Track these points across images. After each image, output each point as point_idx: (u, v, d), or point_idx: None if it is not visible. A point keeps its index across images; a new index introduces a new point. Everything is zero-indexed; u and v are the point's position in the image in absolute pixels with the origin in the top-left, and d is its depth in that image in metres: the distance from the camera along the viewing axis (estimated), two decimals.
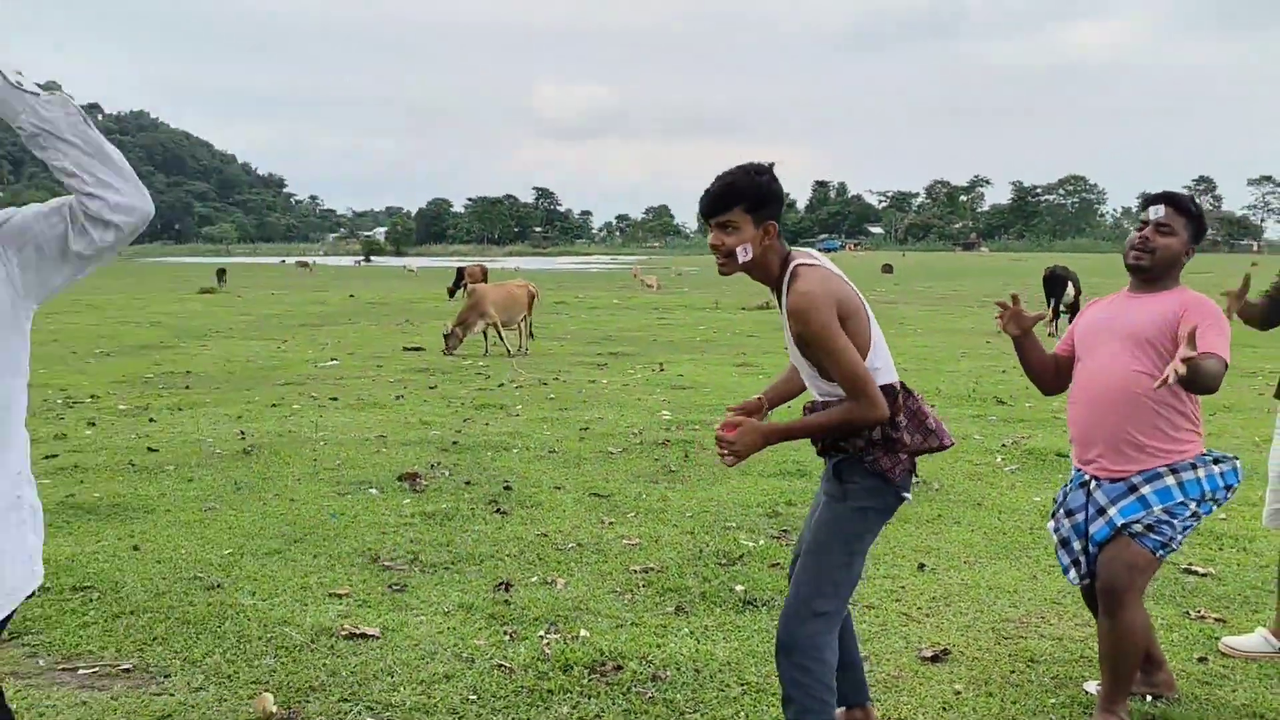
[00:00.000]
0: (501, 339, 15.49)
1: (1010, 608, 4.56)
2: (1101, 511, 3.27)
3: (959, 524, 5.88)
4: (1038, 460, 7.50)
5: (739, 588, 4.76)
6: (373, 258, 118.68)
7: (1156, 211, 3.29)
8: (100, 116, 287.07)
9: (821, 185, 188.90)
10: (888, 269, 55.64)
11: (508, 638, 4.15)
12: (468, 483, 6.80)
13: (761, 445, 2.83)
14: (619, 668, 3.84)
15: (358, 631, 4.16)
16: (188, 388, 11.51)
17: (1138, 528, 3.19)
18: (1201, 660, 3.98)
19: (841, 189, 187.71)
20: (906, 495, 2.95)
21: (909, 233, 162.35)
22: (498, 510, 6.12)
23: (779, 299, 2.89)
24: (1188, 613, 4.48)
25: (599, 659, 3.91)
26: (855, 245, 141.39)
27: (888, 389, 2.84)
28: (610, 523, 5.89)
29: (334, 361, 14.18)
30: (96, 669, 3.86)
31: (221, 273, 44.90)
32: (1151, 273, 3.29)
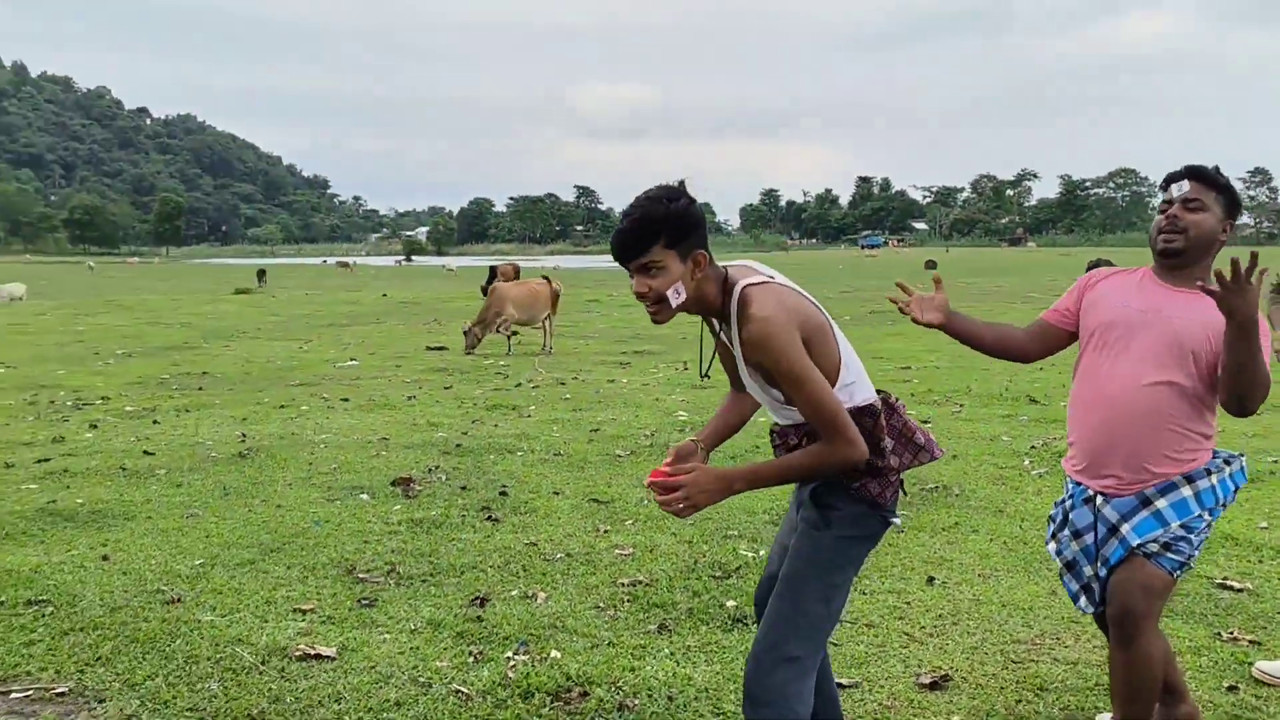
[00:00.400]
0: (508, 339, 15.28)
1: (1023, 627, 4.20)
2: (1114, 530, 2.89)
3: (977, 533, 5.51)
4: None
5: (730, 603, 4.43)
6: (414, 257, 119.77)
7: (1181, 188, 2.89)
8: (148, 120, 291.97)
9: (865, 181, 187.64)
10: (930, 265, 54.92)
11: (472, 659, 3.85)
12: (464, 488, 6.52)
13: (724, 495, 2.44)
14: (585, 694, 3.53)
15: (312, 652, 3.88)
16: (200, 389, 11.36)
17: (1153, 547, 2.81)
18: (1232, 689, 3.59)
19: (885, 184, 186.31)
20: (895, 520, 2.59)
21: (954, 228, 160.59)
22: (489, 518, 5.83)
23: (726, 328, 2.54)
24: (1219, 633, 4.09)
25: (564, 685, 3.60)
26: (898, 241, 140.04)
27: (868, 409, 2.50)
28: (605, 531, 5.59)
29: (353, 362, 14.00)
30: (30, 692, 3.61)
31: (261, 273, 45.29)
32: (1186, 255, 2.85)
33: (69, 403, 10.25)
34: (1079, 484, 3.00)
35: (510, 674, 3.68)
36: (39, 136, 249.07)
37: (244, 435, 8.29)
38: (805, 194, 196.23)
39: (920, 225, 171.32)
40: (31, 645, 4.00)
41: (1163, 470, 2.83)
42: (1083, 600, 3.03)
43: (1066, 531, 3.04)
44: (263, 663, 3.81)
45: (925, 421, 8.72)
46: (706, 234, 2.48)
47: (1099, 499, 2.92)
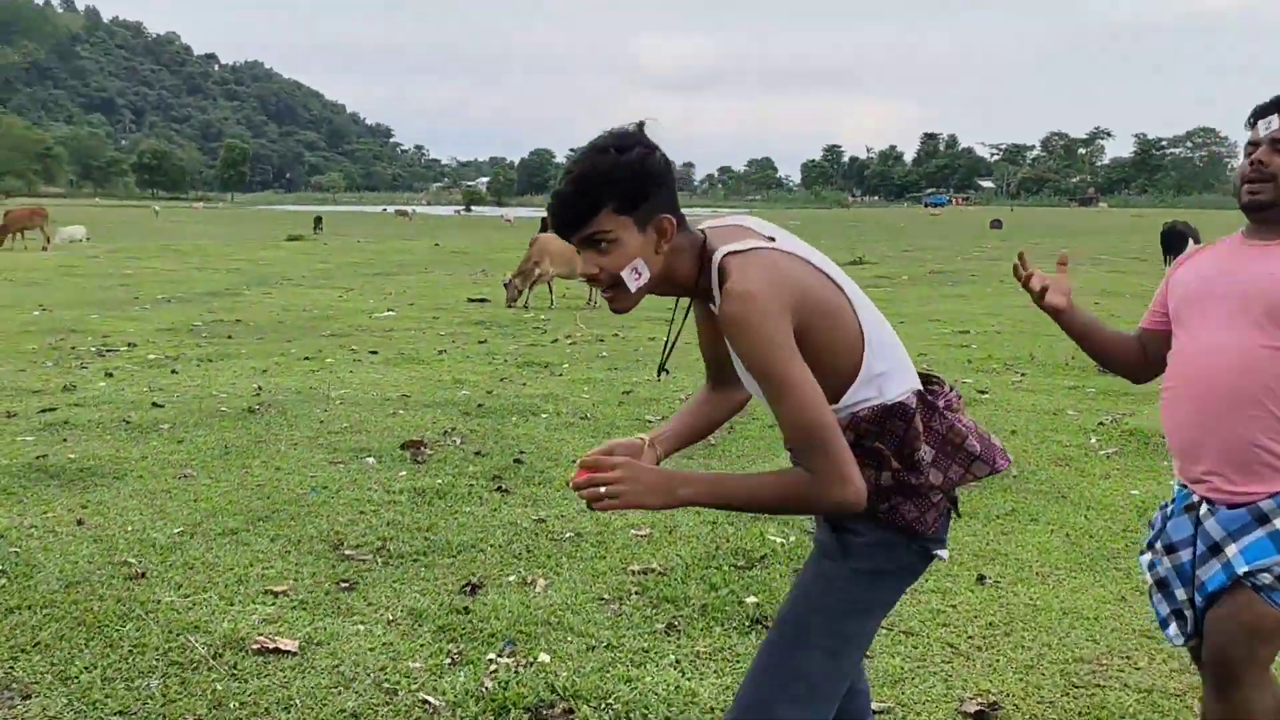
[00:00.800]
0: (549, 291, 14.82)
1: (1087, 641, 3.64)
2: (1216, 549, 2.31)
3: (1036, 522, 4.94)
4: (1140, 443, 6.45)
5: (750, 599, 3.92)
6: (473, 207, 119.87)
7: (1269, 124, 2.29)
8: (216, 67, 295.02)
9: (930, 137, 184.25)
10: (996, 224, 53.39)
11: (449, 661, 3.39)
12: (478, 453, 6.07)
13: (664, 500, 1.81)
14: (569, 712, 3.06)
15: (271, 645, 3.44)
16: (230, 337, 11.04)
17: (1266, 578, 2.22)
18: None
19: (951, 141, 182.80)
20: (941, 553, 2.01)
21: (1022, 187, 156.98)
22: (499, 488, 5.38)
23: (699, 307, 2.05)
24: None
25: (547, 699, 3.12)
26: (963, 199, 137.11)
27: (896, 408, 1.92)
28: None
29: (390, 313, 13.63)
30: None
31: (318, 220, 45.36)
32: (1276, 208, 2.30)
33: (93, 349, 9.98)
34: (1182, 487, 2.43)
35: (488, 682, 3.22)
36: (110, 81, 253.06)
37: (260, 388, 7.91)
38: (868, 150, 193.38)
39: (987, 183, 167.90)
40: None
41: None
42: (1172, 628, 2.45)
43: (1160, 543, 2.47)
44: (215, 656, 3.39)
45: (983, 392, 8.10)
46: (675, 191, 1.92)
47: (1203, 507, 2.35)
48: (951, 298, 15.79)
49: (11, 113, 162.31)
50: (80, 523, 4.71)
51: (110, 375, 8.45)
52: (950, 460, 1.96)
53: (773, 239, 1.95)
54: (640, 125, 1.90)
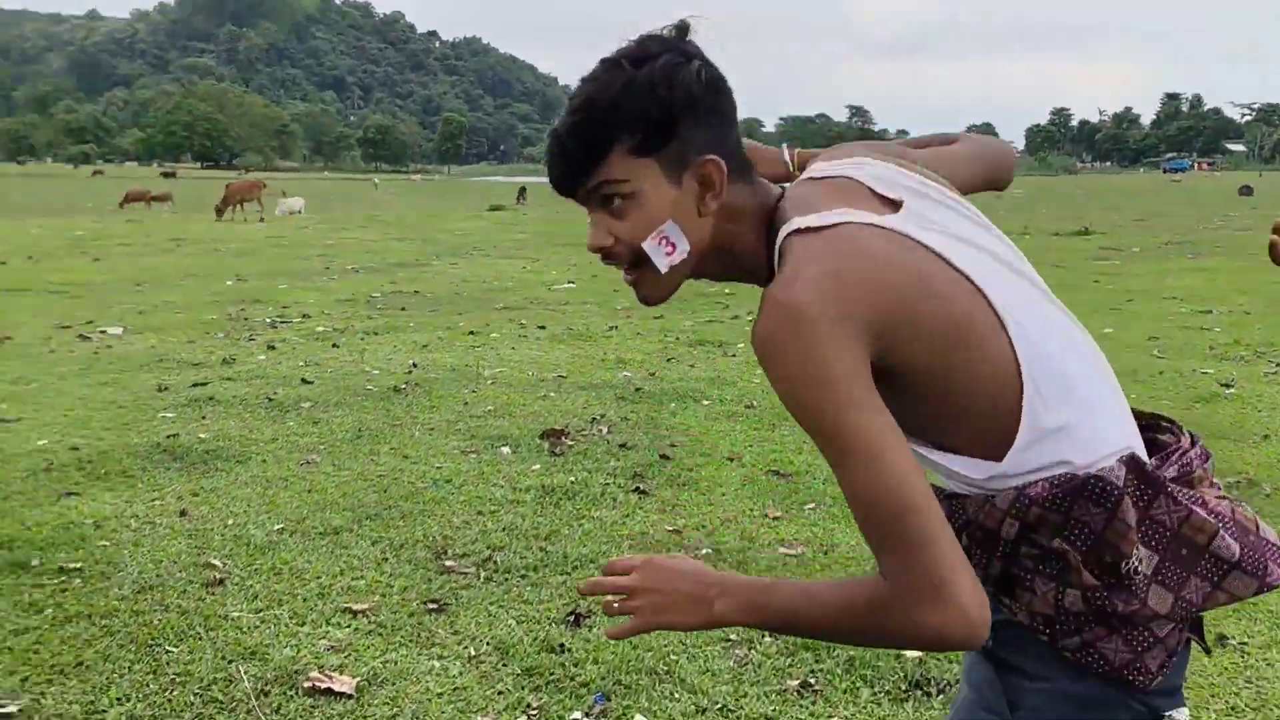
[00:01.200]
0: None
1: None
2: None
3: None
4: None
5: (912, 654, 3.14)
6: None
7: None
8: (437, 44, 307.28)
9: (1172, 98, 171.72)
10: (1246, 190, 48.70)
11: (525, 718, 2.79)
12: (623, 445, 5.46)
13: (693, 619, 1.16)
14: None
15: (324, 685, 2.93)
16: (403, 309, 10.87)
17: None
18: None
19: (1196, 101, 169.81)
20: (1176, 714, 1.18)
21: (1277, 150, 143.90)
22: (638, 489, 4.75)
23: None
24: None
25: None
26: (1208, 164, 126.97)
27: (1095, 485, 1.10)
28: (777, 517, 4.39)
29: (570, 284, 13.24)
30: None
31: (522, 190, 46.01)
32: None
33: (267, 320, 9.97)
34: None
35: None
36: (341, 60, 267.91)
37: (414, 365, 7.58)
38: (1101, 113, 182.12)
39: (1237, 147, 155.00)
40: (19, 636, 3.27)
41: None
42: None
43: None
44: (260, 695, 2.90)
45: (1227, 385, 6.86)
46: (731, 121, 1.23)
47: None
48: (1191, 271, 14.04)
49: (253, 92, 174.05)
50: (183, 514, 4.39)
51: (272, 348, 8.32)
52: (1186, 571, 1.13)
53: (898, 204, 1.20)
54: (682, 28, 1.22)
